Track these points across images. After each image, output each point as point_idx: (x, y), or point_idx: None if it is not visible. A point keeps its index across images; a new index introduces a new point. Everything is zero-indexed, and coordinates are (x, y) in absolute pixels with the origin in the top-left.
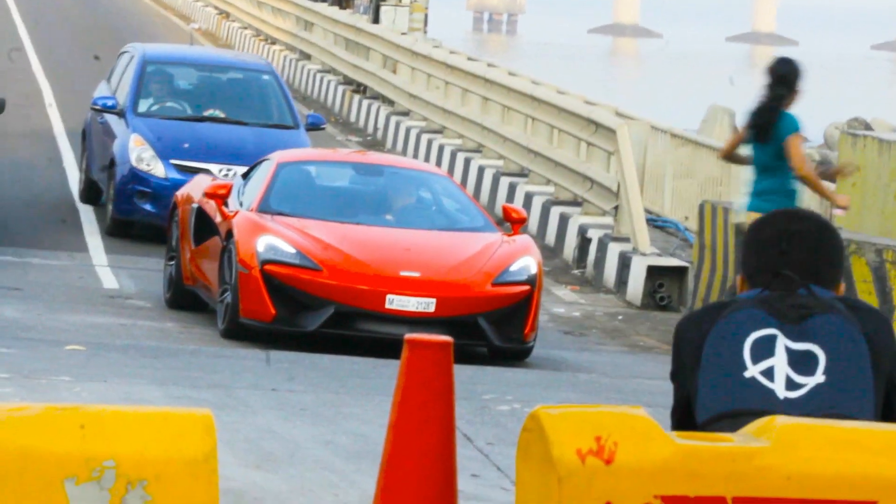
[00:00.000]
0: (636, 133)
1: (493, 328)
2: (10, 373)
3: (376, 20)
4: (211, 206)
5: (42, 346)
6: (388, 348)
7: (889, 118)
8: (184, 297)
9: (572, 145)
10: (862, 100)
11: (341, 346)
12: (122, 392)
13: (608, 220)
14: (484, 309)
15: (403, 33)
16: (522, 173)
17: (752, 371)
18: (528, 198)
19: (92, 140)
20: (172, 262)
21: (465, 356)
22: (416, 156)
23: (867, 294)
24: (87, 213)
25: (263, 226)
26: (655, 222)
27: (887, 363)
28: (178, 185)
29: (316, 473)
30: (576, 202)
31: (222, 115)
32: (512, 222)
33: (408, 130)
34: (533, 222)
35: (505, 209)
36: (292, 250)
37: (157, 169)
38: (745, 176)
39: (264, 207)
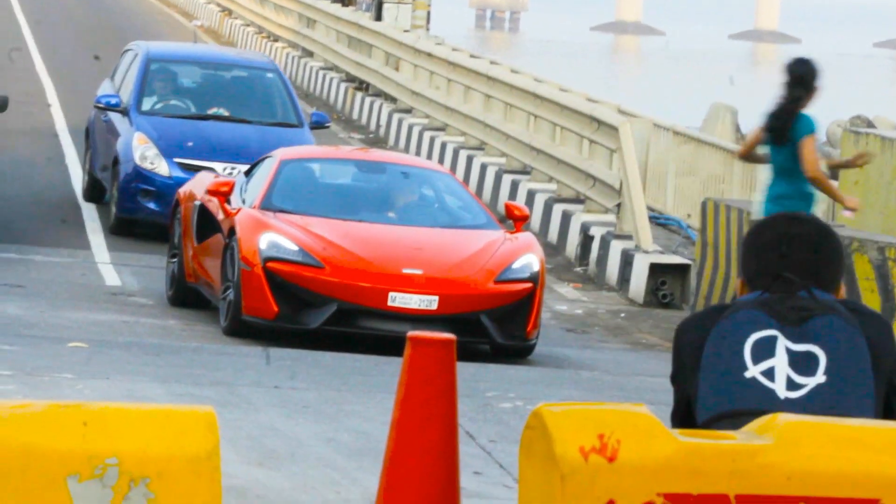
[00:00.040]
0: (638, 130)
1: (496, 326)
2: (12, 370)
3: (379, 17)
4: (213, 204)
5: (44, 343)
6: (390, 346)
7: (891, 116)
8: (186, 295)
9: (575, 143)
10: (864, 97)
11: (343, 344)
12: (125, 389)
13: (611, 217)
14: (486, 306)
15: (406, 31)
16: (525, 171)
17: (753, 371)
18: (531, 195)
19: (95, 138)
20: (175, 260)
21: (468, 354)
22: (418, 153)
23: (869, 292)
24: (89, 211)
25: (266, 223)
26: (658, 220)
27: (888, 366)
28: (181, 183)
29: (318, 471)
30: (578, 200)
31: (226, 114)
32: (514, 220)
33: (410, 128)
34: (535, 220)
35: (507, 207)
36: (295, 247)
37: (161, 167)
38: (761, 176)
39: (267, 205)
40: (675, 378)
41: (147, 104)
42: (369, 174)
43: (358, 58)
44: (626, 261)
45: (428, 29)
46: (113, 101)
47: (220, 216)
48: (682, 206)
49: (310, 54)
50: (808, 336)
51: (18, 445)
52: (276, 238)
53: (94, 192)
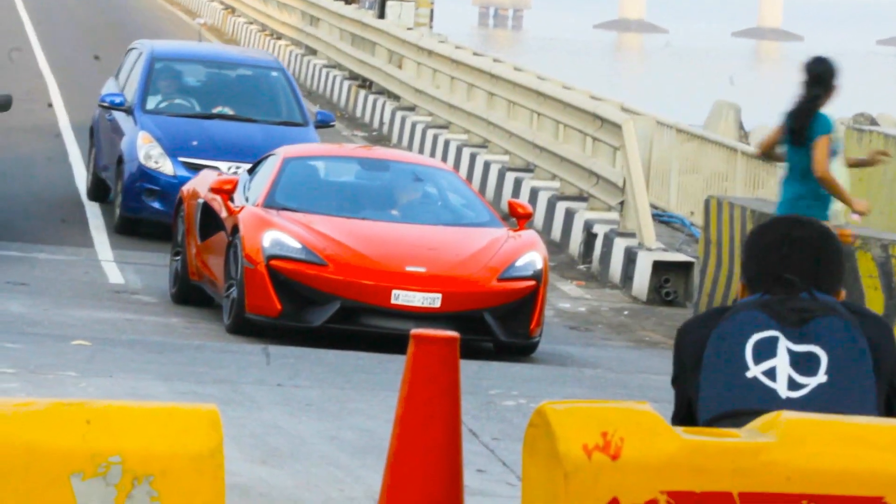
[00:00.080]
0: (642, 128)
1: (499, 323)
2: (16, 368)
3: (382, 15)
4: (217, 202)
5: (48, 341)
6: (393, 343)
7: (895, 113)
8: (189, 293)
9: (578, 140)
10: (867, 95)
11: (346, 342)
12: (128, 387)
13: (614, 215)
14: (490, 304)
15: (409, 28)
16: (528, 168)
17: (754, 371)
18: (534, 193)
19: (100, 137)
20: (178, 258)
21: (471, 351)
22: (421, 151)
23: (873, 289)
24: (92, 209)
25: (269, 221)
26: (661, 217)
27: (888, 367)
28: (186, 182)
29: (321, 468)
30: (581, 197)
31: (231, 113)
32: (518, 217)
33: (413, 125)
34: (539, 217)
35: (510, 204)
36: (298, 245)
37: (166, 166)
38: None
39: (270, 202)
40: (676, 380)
41: (151, 103)
42: (372, 172)
43: (361, 55)
44: (630, 258)
45: (431, 27)
46: (117, 99)
47: (224, 214)
48: (685, 204)
49: (313, 52)
50: (809, 337)
51: (22, 443)
52: (280, 236)
53: (99, 191)
